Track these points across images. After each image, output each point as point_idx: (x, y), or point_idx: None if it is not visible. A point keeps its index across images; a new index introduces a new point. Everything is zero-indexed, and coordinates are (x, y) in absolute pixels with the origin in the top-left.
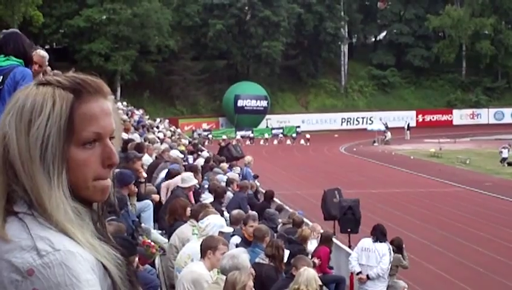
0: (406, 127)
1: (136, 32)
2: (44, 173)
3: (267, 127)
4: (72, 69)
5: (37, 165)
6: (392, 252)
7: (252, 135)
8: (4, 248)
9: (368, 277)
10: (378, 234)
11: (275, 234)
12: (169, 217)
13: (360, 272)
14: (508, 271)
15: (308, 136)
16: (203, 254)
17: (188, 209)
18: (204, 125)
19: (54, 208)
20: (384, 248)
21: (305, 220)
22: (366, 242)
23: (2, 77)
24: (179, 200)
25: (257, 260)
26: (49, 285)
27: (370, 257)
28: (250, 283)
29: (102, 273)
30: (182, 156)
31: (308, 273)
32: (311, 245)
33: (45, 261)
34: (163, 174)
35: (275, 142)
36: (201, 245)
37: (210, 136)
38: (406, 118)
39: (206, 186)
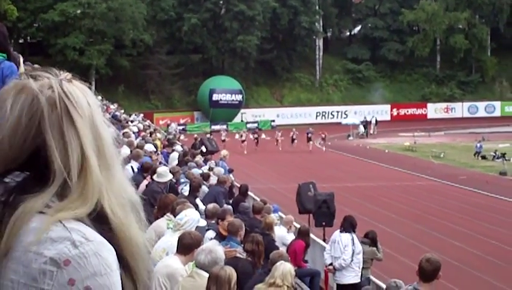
0: (374, 122)
1: (111, 27)
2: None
3: (241, 121)
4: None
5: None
6: (355, 243)
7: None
8: (29, 240)
9: (334, 268)
10: (346, 225)
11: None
12: (159, 211)
13: (331, 264)
14: (483, 265)
15: (323, 135)
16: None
17: None
18: (176, 122)
19: None
20: (347, 238)
21: (280, 213)
22: (335, 234)
23: None
24: (169, 196)
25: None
26: (86, 275)
27: (336, 248)
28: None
29: (117, 264)
30: (155, 150)
31: (284, 267)
32: (288, 235)
33: (81, 251)
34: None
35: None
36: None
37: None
38: (375, 112)
39: (183, 180)
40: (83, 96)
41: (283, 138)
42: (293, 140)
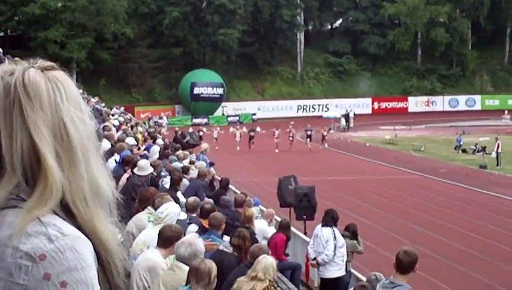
0: (352, 115)
1: (92, 20)
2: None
3: (223, 114)
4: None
5: None
6: (337, 237)
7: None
8: (5, 234)
9: (317, 263)
10: (327, 219)
11: None
12: (141, 205)
13: (315, 259)
14: (463, 258)
15: (325, 133)
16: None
17: None
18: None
19: None
20: (329, 233)
21: (260, 207)
22: (317, 228)
23: None
24: (150, 189)
25: (220, 247)
26: (61, 269)
27: (318, 243)
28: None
29: (94, 258)
30: (136, 143)
31: (266, 261)
32: (269, 229)
33: (57, 246)
34: (112, 161)
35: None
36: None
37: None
38: (357, 106)
39: (163, 173)
40: (45, 87)
41: (279, 139)
42: (290, 138)
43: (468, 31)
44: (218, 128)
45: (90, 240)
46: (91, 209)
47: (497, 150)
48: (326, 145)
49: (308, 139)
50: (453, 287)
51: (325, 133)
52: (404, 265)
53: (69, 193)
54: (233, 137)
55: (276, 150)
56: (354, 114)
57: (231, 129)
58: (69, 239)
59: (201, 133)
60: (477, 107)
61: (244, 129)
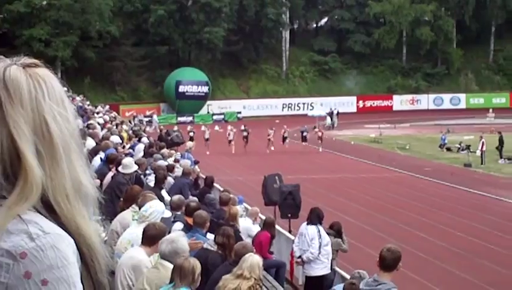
0: (335, 113)
1: (77, 18)
2: None
3: (208, 112)
4: None
5: None
6: (322, 235)
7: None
8: None
9: (302, 261)
10: (313, 217)
11: None
12: (126, 203)
13: (300, 257)
14: (448, 256)
15: (320, 133)
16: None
17: None
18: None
19: None
20: (314, 231)
21: (244, 204)
22: (302, 226)
23: None
24: (135, 188)
25: (205, 245)
26: (42, 268)
27: (303, 241)
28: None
29: (77, 256)
30: (121, 141)
31: (252, 260)
32: (253, 227)
33: (38, 244)
34: (97, 159)
35: (215, 128)
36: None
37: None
38: (342, 104)
39: (148, 172)
40: (26, 84)
41: (273, 138)
42: (284, 139)
43: (453, 30)
44: (212, 128)
45: (72, 237)
46: (73, 207)
47: (482, 148)
48: (320, 149)
49: (304, 142)
50: (437, 285)
51: (320, 134)
52: (388, 263)
53: (50, 190)
54: (226, 138)
55: (268, 151)
56: (338, 113)
57: (216, 127)
58: (50, 237)
59: (191, 133)
60: (462, 105)
61: (242, 128)
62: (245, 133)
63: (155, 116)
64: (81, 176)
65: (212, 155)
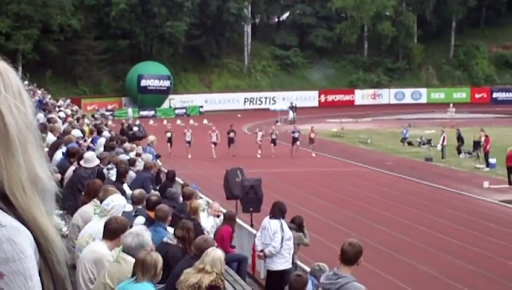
0: (294, 107)
1: (38, 11)
2: None
3: (170, 107)
4: None
5: None
6: (285, 229)
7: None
8: None
9: (264, 255)
10: (276, 211)
11: None
12: (87, 197)
13: (262, 251)
14: (409, 249)
15: (313, 135)
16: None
17: None
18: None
19: None
20: (276, 225)
21: (207, 199)
22: (265, 220)
23: None
24: (97, 182)
25: (165, 239)
26: None
27: (266, 235)
28: None
29: (34, 249)
30: (82, 135)
31: (214, 254)
32: (208, 221)
33: None
34: (59, 153)
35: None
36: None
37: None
38: (304, 98)
39: (109, 166)
40: None
41: (262, 140)
42: (273, 141)
43: (414, 25)
44: (191, 130)
45: (29, 229)
46: (29, 199)
47: (443, 142)
48: (313, 154)
49: (295, 144)
50: (398, 279)
51: (313, 135)
52: (349, 257)
53: (6, 181)
54: (208, 141)
55: (258, 155)
56: (296, 107)
57: (178, 121)
58: (6, 230)
59: (168, 134)
60: (423, 100)
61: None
62: (231, 135)
63: (130, 110)
64: (38, 168)
65: (194, 159)
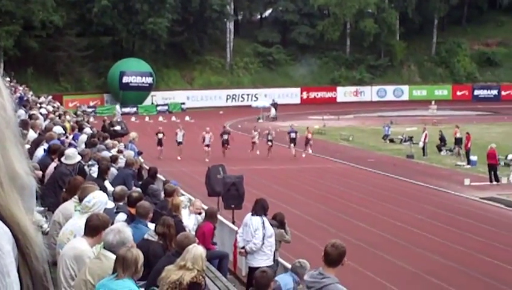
0: (274, 105)
1: (20, 7)
2: None
3: (152, 103)
4: None
5: None
6: (266, 226)
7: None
8: None
9: (246, 251)
10: (258, 208)
11: None
12: (69, 194)
13: (244, 247)
14: (389, 246)
15: (310, 135)
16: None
17: None
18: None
19: None
20: (258, 222)
21: (189, 196)
22: (247, 217)
23: None
24: (78, 178)
25: (146, 236)
26: None
27: (247, 231)
28: None
29: (13, 245)
30: (64, 132)
31: (196, 251)
32: (190, 220)
33: None
34: (41, 150)
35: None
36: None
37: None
38: (286, 95)
39: (91, 162)
40: None
41: (257, 141)
42: (269, 142)
43: (396, 22)
44: (183, 131)
45: (7, 225)
46: (7, 194)
47: (425, 140)
48: (310, 151)
49: (292, 144)
50: (378, 275)
51: (310, 135)
52: (332, 258)
53: None
54: (201, 142)
55: (252, 155)
56: (277, 104)
57: (160, 118)
58: None
59: (160, 135)
60: (405, 97)
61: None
62: (225, 136)
63: (118, 107)
64: (16, 165)
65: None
